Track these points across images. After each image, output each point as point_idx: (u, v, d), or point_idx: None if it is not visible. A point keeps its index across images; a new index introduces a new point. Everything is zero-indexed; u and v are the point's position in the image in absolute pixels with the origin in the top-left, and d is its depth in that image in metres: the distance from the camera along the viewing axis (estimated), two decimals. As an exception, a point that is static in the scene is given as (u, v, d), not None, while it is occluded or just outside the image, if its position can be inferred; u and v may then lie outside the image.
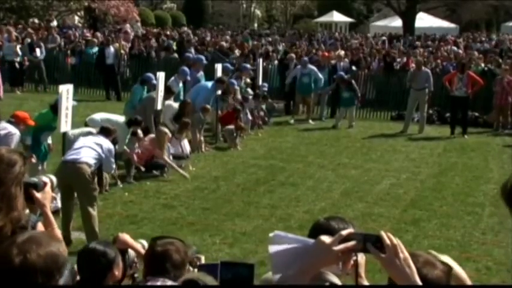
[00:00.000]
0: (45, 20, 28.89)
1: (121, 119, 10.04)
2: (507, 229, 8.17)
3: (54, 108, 8.63)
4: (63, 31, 25.45)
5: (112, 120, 9.82)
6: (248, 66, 15.95)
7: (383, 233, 1.92)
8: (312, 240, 2.04)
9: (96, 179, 7.36)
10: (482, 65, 18.32)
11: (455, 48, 23.26)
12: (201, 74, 14.03)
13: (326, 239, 1.96)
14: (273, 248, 2.09)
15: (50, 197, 2.90)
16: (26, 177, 2.79)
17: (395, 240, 1.91)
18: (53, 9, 32.98)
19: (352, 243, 1.93)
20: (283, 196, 9.47)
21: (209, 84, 13.02)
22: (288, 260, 2.05)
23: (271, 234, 2.12)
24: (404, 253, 1.90)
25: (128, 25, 27.72)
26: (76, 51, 20.95)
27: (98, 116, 10.10)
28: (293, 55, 18.76)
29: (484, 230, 8.14)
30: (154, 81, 11.66)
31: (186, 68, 13.40)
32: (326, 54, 17.91)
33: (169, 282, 3.20)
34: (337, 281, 2.32)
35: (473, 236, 7.91)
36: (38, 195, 2.85)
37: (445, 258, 2.28)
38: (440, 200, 9.49)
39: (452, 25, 41.65)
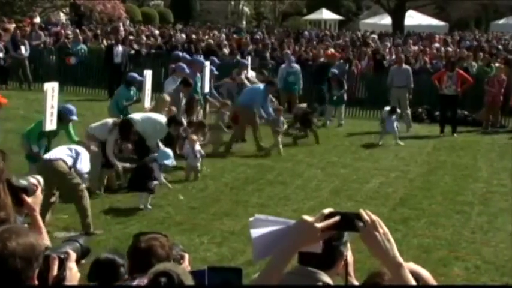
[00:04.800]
0: (29, 16, 28.66)
1: (163, 118, 9.99)
2: (496, 228, 8.25)
3: (59, 116, 8.79)
4: (48, 28, 25.29)
5: (152, 118, 9.91)
6: (245, 61, 15.95)
7: (362, 210, 1.99)
8: (292, 221, 2.07)
9: (72, 170, 7.55)
10: (474, 63, 18.41)
11: (437, 45, 23.37)
12: (198, 75, 13.77)
13: (308, 217, 2.01)
14: (254, 232, 2.11)
15: (40, 202, 2.90)
16: (16, 180, 2.78)
17: (374, 217, 1.99)
18: (38, 6, 32.74)
19: (333, 219, 1.98)
20: (272, 195, 9.49)
21: (261, 86, 12.97)
22: (269, 243, 2.07)
23: (251, 219, 2.14)
24: (383, 228, 1.99)
25: (121, 23, 27.62)
26: (62, 49, 20.83)
27: (138, 115, 10.06)
28: (288, 51, 18.79)
29: (473, 229, 8.20)
30: (139, 78, 11.67)
31: (183, 64, 13.29)
32: (330, 52, 17.99)
33: None
34: (329, 280, 2.34)
35: (462, 235, 7.96)
36: (29, 199, 2.84)
37: (424, 272, 2.31)
38: (429, 199, 9.54)
39: (442, 23, 41.88)
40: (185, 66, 13.11)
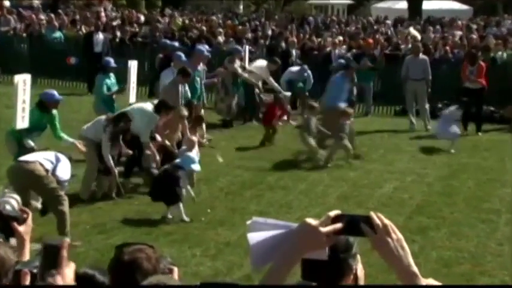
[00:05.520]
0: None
1: (149, 105, 9.96)
2: (525, 238, 8.26)
3: (42, 105, 8.76)
4: (19, 12, 25.27)
5: (138, 108, 9.92)
6: (239, 47, 15.95)
7: (372, 213, 1.99)
8: (294, 225, 2.08)
9: (49, 174, 7.57)
10: (505, 55, 18.35)
11: (460, 32, 23.34)
12: (201, 68, 13.27)
13: (312, 221, 2.01)
14: (252, 237, 2.12)
15: (30, 230, 2.94)
16: (3, 207, 2.83)
17: (386, 221, 1.99)
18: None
19: (340, 224, 1.99)
20: (273, 201, 9.52)
21: (338, 78, 12.88)
22: (269, 249, 2.08)
23: (248, 222, 2.15)
24: (396, 234, 1.99)
25: (102, 8, 27.63)
26: (34, 35, 20.81)
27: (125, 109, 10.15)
28: (294, 39, 18.84)
29: (500, 240, 8.21)
30: (114, 65, 11.74)
31: (180, 53, 13.21)
32: (371, 41, 18.11)
33: None
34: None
35: (488, 246, 7.98)
36: (21, 228, 2.88)
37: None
38: (450, 206, 9.56)
39: (465, 7, 41.81)
40: (182, 54, 13.06)
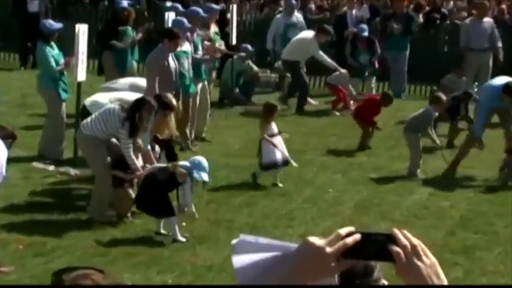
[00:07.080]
0: None
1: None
2: None
3: None
4: None
5: (125, 100, 9.55)
6: (214, 6, 15.87)
7: (396, 231, 1.97)
8: (294, 245, 2.08)
9: None
10: None
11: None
12: (197, 35, 13.07)
13: (316, 240, 2.00)
14: (238, 261, 2.12)
15: None
16: None
17: (415, 240, 1.97)
18: None
19: (353, 238, 1.97)
20: (269, 212, 9.56)
21: (497, 81, 12.03)
22: (260, 276, 2.08)
23: (234, 241, 2.15)
24: (429, 257, 1.95)
25: None
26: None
27: (104, 97, 10.01)
28: None
29: None
30: (57, 25, 11.62)
31: (183, 19, 12.97)
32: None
33: None
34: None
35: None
36: None
37: None
38: (504, 218, 9.59)
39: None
40: (186, 22, 12.65)
